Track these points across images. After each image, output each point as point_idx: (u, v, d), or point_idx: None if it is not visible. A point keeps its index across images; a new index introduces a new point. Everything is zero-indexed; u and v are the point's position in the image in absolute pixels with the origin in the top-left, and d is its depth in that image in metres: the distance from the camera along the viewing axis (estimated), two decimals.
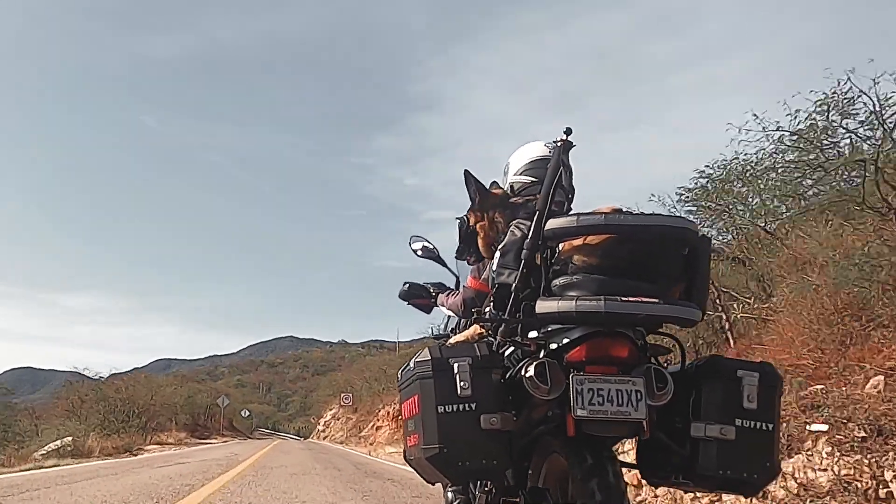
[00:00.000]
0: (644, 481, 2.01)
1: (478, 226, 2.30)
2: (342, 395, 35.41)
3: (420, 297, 2.89)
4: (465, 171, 2.33)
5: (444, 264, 2.98)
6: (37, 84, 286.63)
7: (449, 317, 2.87)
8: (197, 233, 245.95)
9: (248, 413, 53.36)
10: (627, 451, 2.92)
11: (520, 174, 2.40)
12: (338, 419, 43.12)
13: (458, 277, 2.90)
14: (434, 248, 2.99)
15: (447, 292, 2.75)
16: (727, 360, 1.79)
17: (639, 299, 1.59)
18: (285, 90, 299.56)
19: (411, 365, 1.80)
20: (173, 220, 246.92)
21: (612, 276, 1.66)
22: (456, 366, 1.69)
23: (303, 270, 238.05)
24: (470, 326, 2.32)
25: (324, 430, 46.47)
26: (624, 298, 1.59)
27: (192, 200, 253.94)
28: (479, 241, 2.30)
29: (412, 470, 1.94)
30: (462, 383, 1.68)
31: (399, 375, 1.96)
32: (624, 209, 1.75)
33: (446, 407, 1.67)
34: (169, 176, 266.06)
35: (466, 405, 1.67)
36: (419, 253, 2.98)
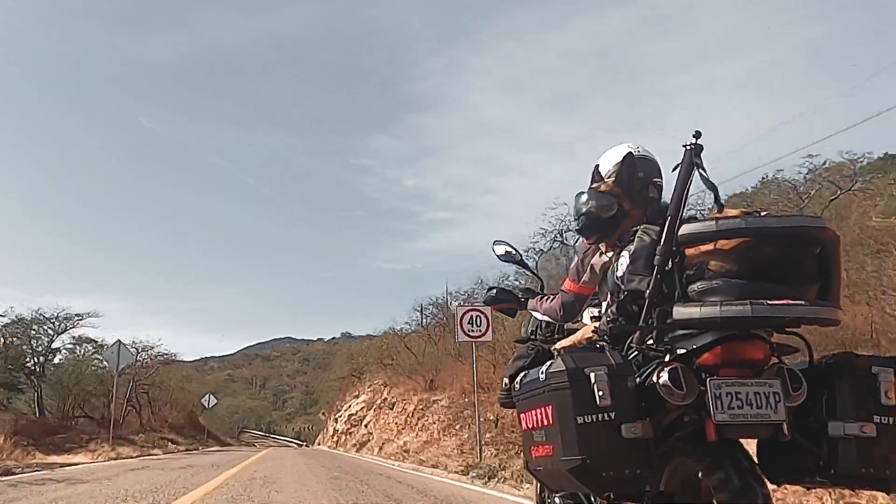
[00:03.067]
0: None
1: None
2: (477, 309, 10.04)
3: (507, 301, 2.85)
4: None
5: (527, 268, 3.08)
6: (34, 85, 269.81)
7: (531, 320, 2.87)
8: (196, 234, 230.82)
9: (213, 402, 32.10)
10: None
11: (610, 176, 2.29)
12: (379, 408, 22.28)
13: (542, 282, 3.09)
14: (517, 252, 2.98)
15: (539, 297, 2.68)
16: (859, 356, 1.74)
17: (785, 302, 1.57)
18: (284, 91, 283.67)
19: (541, 376, 1.75)
20: (172, 222, 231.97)
21: (753, 279, 1.62)
22: (593, 375, 1.64)
23: (302, 272, 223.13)
24: (575, 334, 2.29)
25: (348, 431, 25.74)
26: (770, 302, 1.56)
27: (191, 201, 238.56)
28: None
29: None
30: (600, 393, 1.63)
31: (516, 384, 1.96)
32: (754, 211, 1.72)
33: (585, 417, 1.62)
34: (168, 177, 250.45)
35: (606, 415, 1.62)
36: (502, 257, 2.97)
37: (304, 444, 48.47)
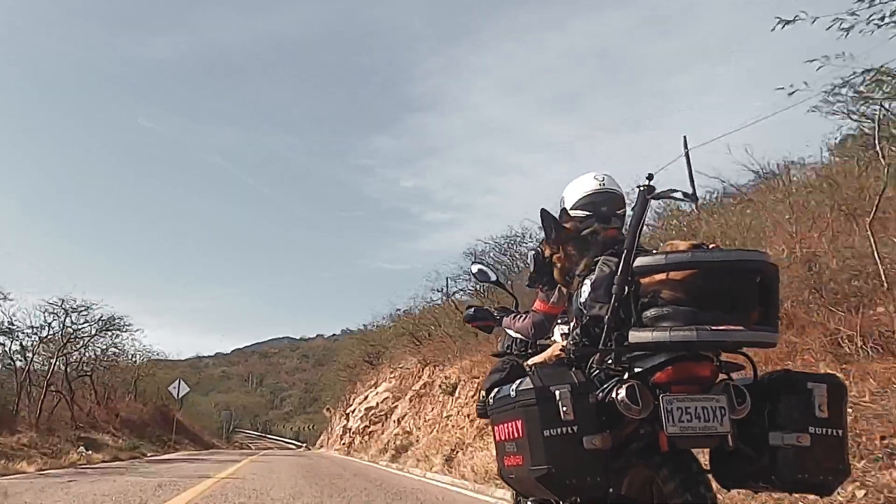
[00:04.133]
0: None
1: (555, 257, 2.41)
2: None
3: (485, 319, 3.05)
4: (543, 209, 2.44)
5: (503, 287, 3.38)
6: (34, 85, 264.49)
7: (506, 336, 3.01)
8: (196, 234, 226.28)
9: (185, 389, 24.35)
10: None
11: (575, 208, 2.47)
12: (418, 396, 14.99)
13: (516, 300, 3.16)
14: (492, 272, 3.19)
15: (512, 315, 2.85)
16: (798, 373, 1.91)
17: (726, 327, 1.72)
18: (284, 91, 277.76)
19: (511, 393, 1.91)
20: (172, 222, 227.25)
21: (699, 307, 1.76)
22: (557, 393, 1.80)
23: (302, 272, 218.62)
24: (545, 351, 2.49)
25: (367, 431, 18.50)
26: (713, 328, 1.71)
27: (191, 201, 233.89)
28: (555, 271, 2.41)
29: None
30: (564, 408, 1.78)
31: (490, 400, 2.12)
32: (702, 245, 1.88)
33: (551, 430, 1.77)
34: (168, 177, 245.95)
35: (569, 428, 1.77)
36: (478, 276, 3.21)
37: (304, 445, 41.59)
